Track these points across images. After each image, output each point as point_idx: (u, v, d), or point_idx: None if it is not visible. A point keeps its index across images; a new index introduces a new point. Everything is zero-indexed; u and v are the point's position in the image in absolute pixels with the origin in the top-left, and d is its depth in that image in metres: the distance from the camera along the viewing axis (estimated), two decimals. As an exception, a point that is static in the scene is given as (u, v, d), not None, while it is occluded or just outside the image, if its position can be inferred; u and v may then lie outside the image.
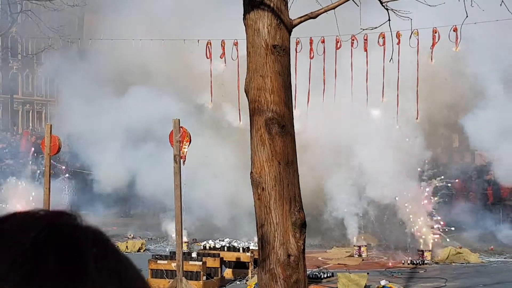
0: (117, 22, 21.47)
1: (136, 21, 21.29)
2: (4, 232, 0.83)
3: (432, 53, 16.52)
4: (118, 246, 0.89)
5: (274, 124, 6.78)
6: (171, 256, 13.28)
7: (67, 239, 0.83)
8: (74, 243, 0.83)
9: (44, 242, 0.81)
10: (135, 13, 21.62)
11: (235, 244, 14.85)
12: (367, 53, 16.64)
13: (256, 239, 8.56)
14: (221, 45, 17.45)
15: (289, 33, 7.01)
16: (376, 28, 8.04)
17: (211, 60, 17.84)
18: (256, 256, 11.58)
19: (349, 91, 16.89)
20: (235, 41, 16.66)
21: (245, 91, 7.07)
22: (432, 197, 16.90)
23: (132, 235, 19.33)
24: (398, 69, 15.96)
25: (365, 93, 16.96)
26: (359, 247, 16.93)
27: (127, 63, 21.44)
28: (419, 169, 17.10)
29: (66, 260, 0.81)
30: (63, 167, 22.76)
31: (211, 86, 18.48)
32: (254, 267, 13.32)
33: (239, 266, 14.43)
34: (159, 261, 13.58)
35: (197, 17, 20.15)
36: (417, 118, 17.34)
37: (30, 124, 51.90)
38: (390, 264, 15.68)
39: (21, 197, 16.78)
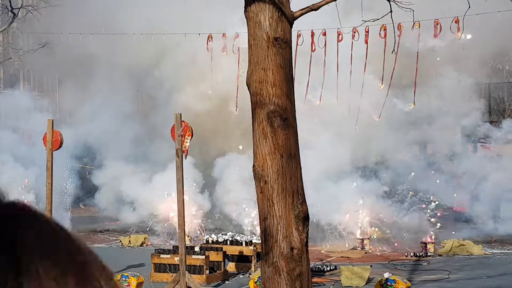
0: (116, 19, 21.49)
1: (136, 16, 21.30)
2: None
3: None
4: (50, 218, 0.79)
5: (276, 117, 6.73)
6: (174, 250, 13.27)
7: None
8: None
9: None
10: (135, 9, 21.63)
11: (238, 238, 14.85)
12: (367, 45, 16.57)
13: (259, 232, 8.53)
14: (223, 38, 17.52)
15: (291, 25, 6.96)
16: (378, 19, 7.99)
17: (211, 53, 18.01)
18: (259, 250, 11.57)
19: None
20: (236, 34, 16.65)
21: (246, 84, 7.01)
22: None
23: (134, 230, 19.34)
24: (396, 60, 15.89)
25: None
26: (362, 240, 16.90)
27: (126, 58, 21.53)
28: None
29: None
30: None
31: (211, 78, 18.71)
32: (257, 261, 13.31)
33: (242, 260, 14.42)
34: (162, 255, 13.57)
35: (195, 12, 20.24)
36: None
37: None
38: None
39: None
